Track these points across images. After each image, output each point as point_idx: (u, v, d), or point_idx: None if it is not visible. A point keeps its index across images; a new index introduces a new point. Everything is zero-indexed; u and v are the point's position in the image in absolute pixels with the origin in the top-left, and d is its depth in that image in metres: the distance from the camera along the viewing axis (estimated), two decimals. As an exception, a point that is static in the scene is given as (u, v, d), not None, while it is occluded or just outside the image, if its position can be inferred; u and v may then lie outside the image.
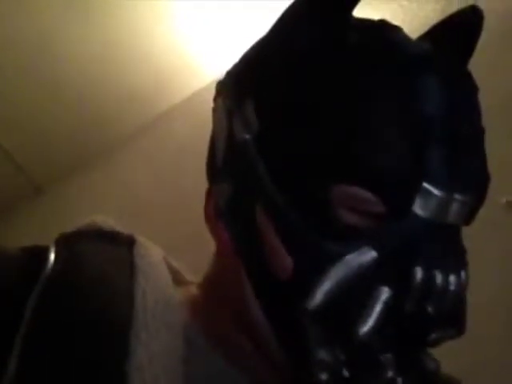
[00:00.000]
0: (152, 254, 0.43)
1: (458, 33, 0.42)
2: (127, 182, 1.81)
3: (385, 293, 0.34)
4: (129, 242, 0.42)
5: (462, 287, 0.37)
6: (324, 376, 0.35)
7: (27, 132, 1.87)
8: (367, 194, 0.35)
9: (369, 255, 0.35)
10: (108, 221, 0.45)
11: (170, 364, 0.36)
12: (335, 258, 0.35)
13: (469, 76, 0.40)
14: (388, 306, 0.34)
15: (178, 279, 0.46)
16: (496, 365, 0.93)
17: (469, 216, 0.38)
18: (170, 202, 1.59)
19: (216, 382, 0.39)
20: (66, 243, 0.40)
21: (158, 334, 0.36)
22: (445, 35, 0.41)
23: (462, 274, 0.37)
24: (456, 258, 0.37)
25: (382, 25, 0.39)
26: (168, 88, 1.75)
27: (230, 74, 0.44)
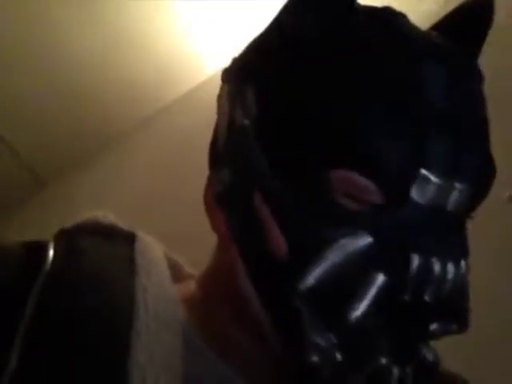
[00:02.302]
0: (153, 250, 0.42)
1: (468, 23, 0.41)
2: (129, 176, 1.81)
3: (379, 279, 0.34)
4: (129, 238, 0.42)
5: (461, 277, 0.36)
6: (316, 358, 0.34)
7: (31, 127, 1.88)
8: (363, 180, 0.34)
9: (364, 240, 0.34)
10: (108, 216, 0.44)
11: (170, 363, 0.35)
12: (330, 242, 0.34)
13: (474, 65, 0.39)
14: (383, 292, 0.34)
15: (178, 274, 0.46)
16: (496, 361, 0.92)
17: (470, 205, 0.37)
18: (172, 196, 1.58)
19: (213, 382, 0.39)
20: (65, 238, 0.40)
21: (158, 333, 0.36)
22: (454, 26, 0.41)
23: (462, 263, 0.36)
24: (456, 248, 0.37)
25: (387, 11, 0.39)
26: (170, 82, 1.75)
27: (235, 61, 0.44)
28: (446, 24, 0.42)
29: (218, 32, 1.60)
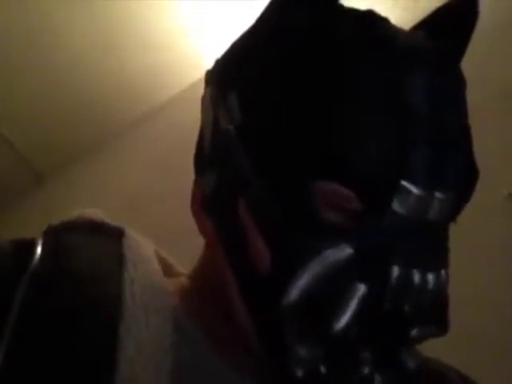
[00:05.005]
0: (141, 246, 0.42)
1: (454, 21, 0.41)
2: (128, 171, 1.82)
3: (360, 290, 0.34)
4: (118, 234, 0.42)
5: (441, 286, 0.36)
6: (300, 372, 0.34)
7: (28, 121, 1.88)
8: (345, 191, 0.34)
9: (345, 252, 0.34)
10: (97, 213, 0.44)
11: (159, 351, 0.36)
12: (311, 254, 0.34)
13: (457, 70, 0.39)
14: (364, 303, 0.34)
15: (169, 272, 0.46)
16: (496, 357, 0.92)
17: (452, 213, 0.37)
18: (170, 191, 1.58)
19: (203, 366, 0.39)
20: (53, 236, 0.40)
21: (146, 323, 0.36)
22: (441, 23, 0.40)
23: (443, 272, 0.36)
24: (437, 257, 0.36)
25: (370, 15, 0.38)
26: (169, 77, 1.75)
27: (218, 62, 0.43)
28: (432, 21, 0.42)
29: (216, 30, 1.60)
